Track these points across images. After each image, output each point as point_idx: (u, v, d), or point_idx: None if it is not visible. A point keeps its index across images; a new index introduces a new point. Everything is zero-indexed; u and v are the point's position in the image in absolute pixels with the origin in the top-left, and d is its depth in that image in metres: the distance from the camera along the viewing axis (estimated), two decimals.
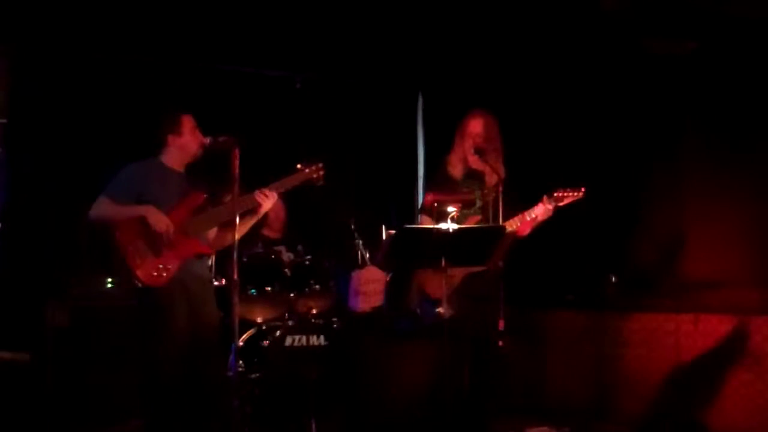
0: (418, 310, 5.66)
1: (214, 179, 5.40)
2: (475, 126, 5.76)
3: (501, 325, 5.53)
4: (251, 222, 5.50)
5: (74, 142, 7.03)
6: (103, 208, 5.22)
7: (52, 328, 6.12)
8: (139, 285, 5.12)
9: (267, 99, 7.69)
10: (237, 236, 5.17)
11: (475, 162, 5.76)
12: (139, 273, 5.10)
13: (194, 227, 5.27)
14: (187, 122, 5.40)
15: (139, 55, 7.18)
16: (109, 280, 6.46)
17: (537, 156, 7.18)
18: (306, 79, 7.83)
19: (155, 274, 5.12)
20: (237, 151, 5.12)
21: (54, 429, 5.94)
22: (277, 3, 6.92)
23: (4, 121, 6.83)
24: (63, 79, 7.00)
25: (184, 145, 5.40)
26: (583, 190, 5.65)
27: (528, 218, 5.59)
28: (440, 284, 5.48)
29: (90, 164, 7.01)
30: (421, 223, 5.74)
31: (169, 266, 5.15)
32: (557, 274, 7.11)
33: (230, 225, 5.18)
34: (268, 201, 5.38)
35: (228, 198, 5.21)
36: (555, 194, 5.61)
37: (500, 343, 5.57)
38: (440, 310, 5.16)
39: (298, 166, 5.52)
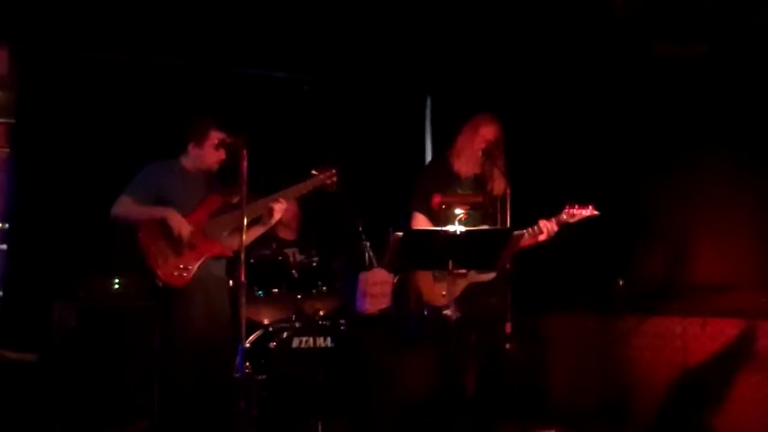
0: (425, 312, 5.65)
1: (229, 181, 5.44)
2: (490, 131, 5.77)
3: (508, 328, 5.53)
4: (261, 230, 5.56)
5: (81, 142, 7.04)
6: (125, 207, 5.32)
7: (59, 329, 6.14)
8: (160, 284, 5.19)
9: (275, 101, 7.69)
10: (246, 241, 5.25)
11: (479, 165, 5.77)
12: (160, 272, 5.20)
13: (213, 229, 5.34)
14: (213, 137, 5.47)
15: (146, 57, 7.19)
16: (117, 280, 6.47)
17: (545, 158, 7.19)
18: (314, 82, 7.83)
19: (176, 273, 5.22)
20: (245, 153, 5.17)
21: (61, 429, 5.95)
22: (286, 5, 6.93)
23: (11, 121, 6.85)
24: (70, 80, 7.02)
25: (203, 157, 5.51)
26: (592, 209, 5.68)
27: (532, 236, 5.61)
28: (440, 293, 5.50)
29: (97, 165, 7.04)
30: (414, 221, 5.73)
31: (190, 266, 5.25)
32: (565, 276, 7.09)
33: (240, 229, 5.23)
34: (278, 211, 5.47)
35: (240, 201, 5.24)
36: (565, 210, 5.64)
37: (507, 346, 5.57)
38: (447, 312, 5.15)
39: (313, 171, 5.59)
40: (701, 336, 6.09)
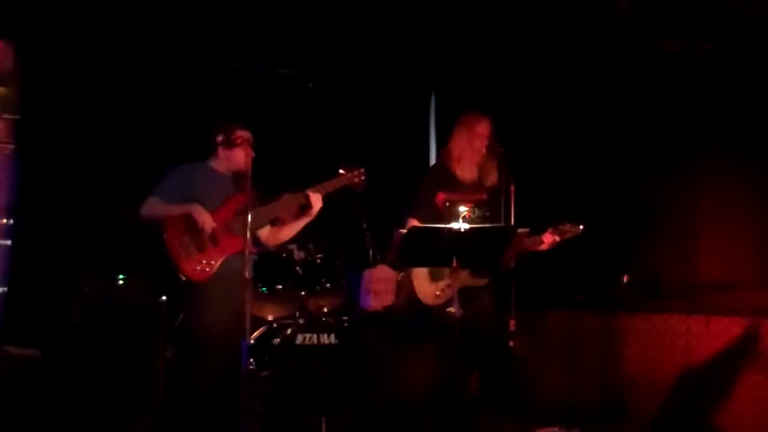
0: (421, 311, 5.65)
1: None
2: (485, 127, 5.78)
3: (512, 325, 5.54)
4: (303, 222, 5.60)
5: (86, 138, 7.05)
6: (152, 207, 5.38)
7: (63, 325, 6.14)
8: (183, 278, 5.25)
9: (279, 98, 7.69)
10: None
11: (479, 164, 5.77)
12: (183, 267, 5.25)
13: (238, 226, 5.32)
14: (240, 137, 5.49)
15: (150, 53, 7.20)
16: (121, 276, 6.47)
17: (549, 155, 7.19)
18: (318, 79, 7.83)
19: (198, 268, 5.26)
20: (250, 150, 5.21)
21: (65, 425, 5.95)
22: (291, 2, 6.93)
23: (16, 117, 6.85)
24: (75, 76, 7.02)
25: (232, 158, 5.52)
26: (582, 227, 5.72)
27: (532, 244, 5.63)
28: (434, 293, 5.50)
29: (101, 161, 7.05)
30: (408, 225, 5.70)
31: (213, 262, 5.29)
32: (569, 274, 7.09)
33: (284, 223, 5.51)
34: (319, 201, 5.49)
35: (281, 198, 5.41)
36: (560, 227, 5.67)
37: (511, 343, 5.57)
38: (451, 309, 5.16)
39: (340, 171, 5.59)
40: (705, 334, 6.08)
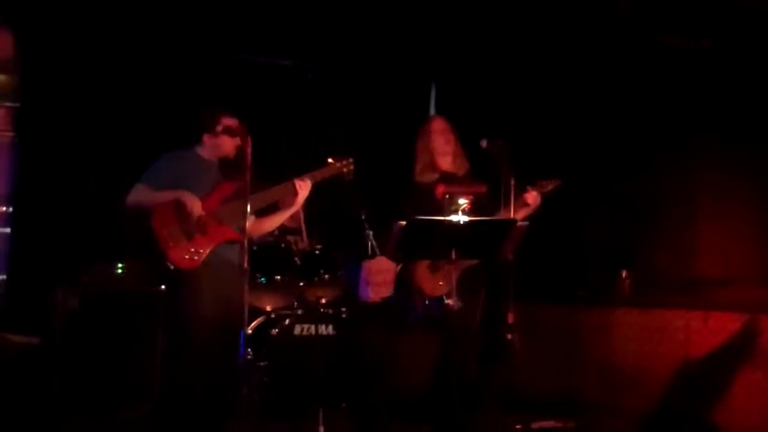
0: (426, 301, 5.64)
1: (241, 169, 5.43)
2: (439, 123, 5.79)
3: (510, 318, 5.53)
4: (287, 213, 5.58)
5: (85, 126, 7.04)
6: (140, 194, 5.31)
7: (62, 313, 6.14)
8: (171, 267, 5.19)
9: (279, 89, 7.68)
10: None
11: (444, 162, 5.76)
12: (171, 255, 5.18)
13: (226, 214, 5.31)
14: (227, 125, 5.46)
15: (150, 43, 7.19)
16: (120, 265, 6.47)
17: (549, 149, 7.17)
18: (318, 70, 7.82)
19: (187, 257, 5.20)
20: (249, 140, 5.18)
21: (63, 414, 5.96)
22: None
23: (16, 105, 6.84)
24: (75, 64, 7.01)
25: (218, 146, 5.49)
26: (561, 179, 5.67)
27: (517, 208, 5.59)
28: (437, 283, 5.49)
29: (101, 150, 7.04)
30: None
31: (201, 250, 5.23)
32: (568, 269, 7.09)
33: (266, 214, 5.44)
34: (305, 190, 5.44)
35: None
36: (537, 183, 5.63)
37: (509, 336, 5.57)
38: (449, 302, 5.15)
39: (329, 160, 5.58)
40: (703, 330, 6.09)
